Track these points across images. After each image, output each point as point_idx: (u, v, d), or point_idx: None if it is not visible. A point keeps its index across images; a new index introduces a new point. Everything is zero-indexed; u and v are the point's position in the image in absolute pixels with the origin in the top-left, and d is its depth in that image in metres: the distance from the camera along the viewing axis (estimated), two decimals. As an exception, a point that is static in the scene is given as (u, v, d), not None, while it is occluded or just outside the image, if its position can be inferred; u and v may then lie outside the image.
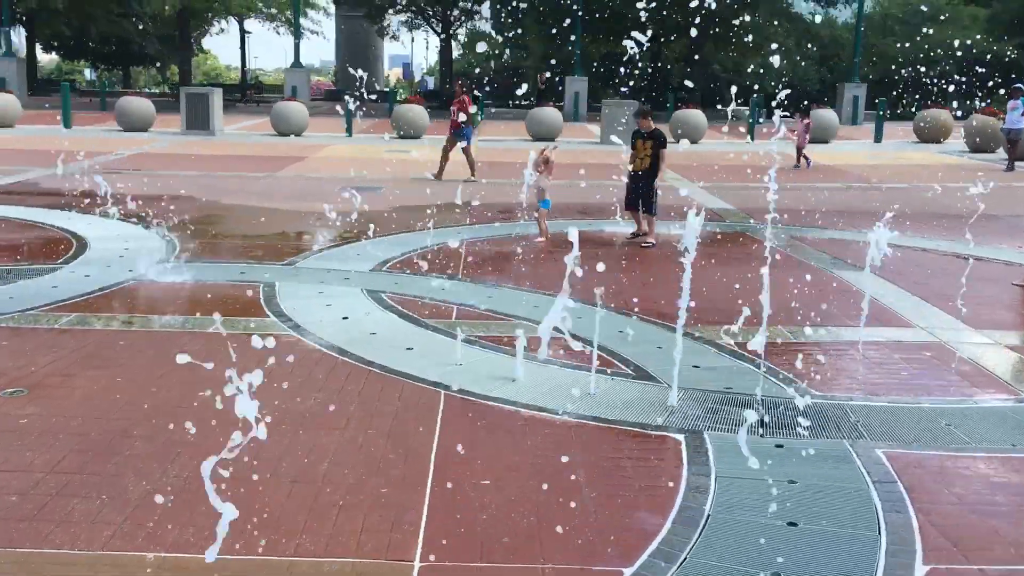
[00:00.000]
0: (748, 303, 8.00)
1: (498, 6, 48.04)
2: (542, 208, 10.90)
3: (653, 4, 39.08)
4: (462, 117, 16.27)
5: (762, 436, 5.17)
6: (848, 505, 4.33)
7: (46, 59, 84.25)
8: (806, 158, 20.06)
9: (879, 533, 4.08)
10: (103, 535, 3.84)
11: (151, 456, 4.61)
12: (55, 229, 10.91)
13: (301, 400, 5.49)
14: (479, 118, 18.22)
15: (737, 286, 8.55)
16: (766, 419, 5.38)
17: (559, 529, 4.04)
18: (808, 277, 9.18)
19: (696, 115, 26.22)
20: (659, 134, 11.10)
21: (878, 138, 27.08)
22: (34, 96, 39.53)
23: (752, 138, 26.97)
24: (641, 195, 11.14)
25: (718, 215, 13.38)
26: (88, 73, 59.15)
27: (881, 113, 28.16)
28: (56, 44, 64.47)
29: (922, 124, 26.75)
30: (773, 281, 8.97)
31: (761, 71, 52.51)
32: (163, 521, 3.98)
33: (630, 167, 11.21)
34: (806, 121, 20.47)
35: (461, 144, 16.76)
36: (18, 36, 58.56)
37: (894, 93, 41.24)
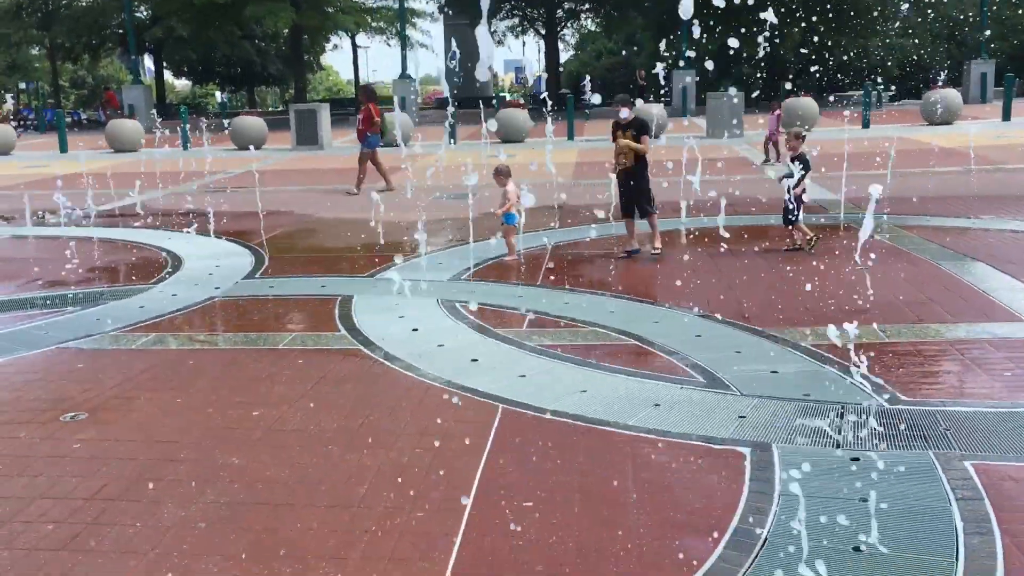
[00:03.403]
0: (841, 301, 7.55)
1: (606, 5, 47.65)
2: (506, 224, 9.88)
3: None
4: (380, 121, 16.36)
5: (838, 448, 4.76)
6: (924, 527, 3.90)
7: (180, 84, 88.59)
8: (776, 151, 18.08)
9: (955, 560, 3.64)
10: (128, 565, 3.78)
11: (193, 481, 4.56)
12: (154, 249, 11.22)
13: (352, 419, 5.37)
14: (389, 126, 17.96)
15: (831, 283, 8.06)
16: (844, 429, 4.96)
17: (598, 557, 3.77)
18: (912, 269, 8.59)
19: (808, 103, 25.20)
20: (640, 121, 9.75)
21: (1006, 116, 25.40)
22: (162, 120, 41.41)
23: (867, 125, 25.74)
24: (634, 197, 9.73)
25: (822, 207, 12.71)
26: (218, 96, 61.70)
27: (1011, 90, 26.41)
28: (186, 69, 67.57)
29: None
30: (872, 275, 8.46)
31: (882, 54, 50.38)
32: (191, 550, 3.90)
33: (613, 168, 9.89)
34: (777, 112, 18.78)
35: (366, 151, 16.57)
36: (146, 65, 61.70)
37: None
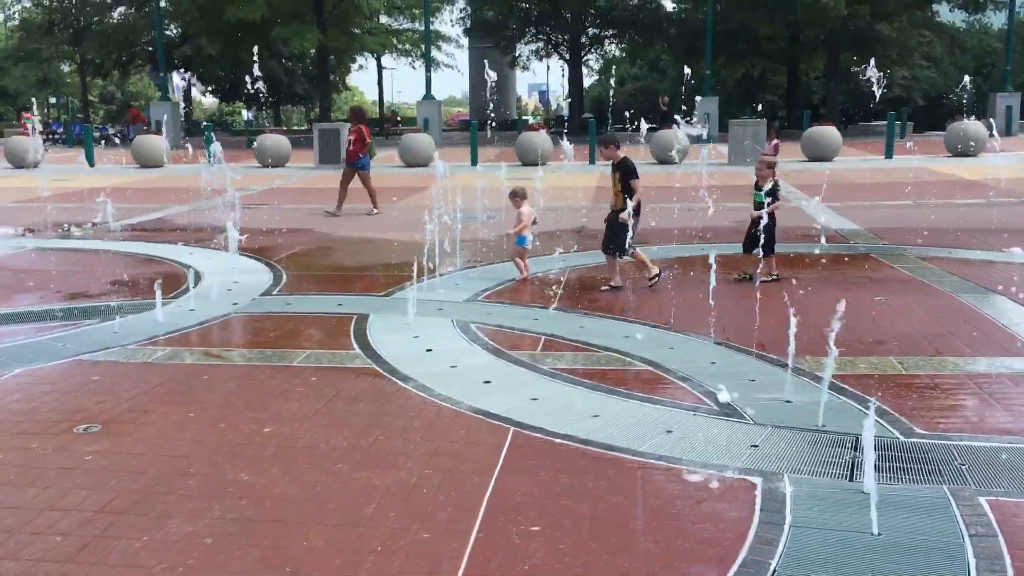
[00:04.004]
0: (860, 332, 7.49)
1: (630, 32, 47.88)
2: (517, 246, 9.93)
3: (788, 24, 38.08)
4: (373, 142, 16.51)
5: (850, 480, 4.71)
6: (935, 563, 3.84)
7: (208, 102, 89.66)
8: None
9: (968, 598, 3.59)
10: (133, 579, 3.79)
11: (202, 496, 4.57)
12: (174, 264, 11.31)
13: (363, 437, 5.37)
14: (375, 149, 17.93)
15: (847, 314, 7.99)
16: (857, 461, 4.91)
17: (603, 584, 3.74)
18: (930, 301, 8.51)
19: (830, 132, 25.17)
20: (626, 163, 9.38)
21: (1032, 149, 25.27)
22: (189, 137, 41.88)
23: (890, 155, 25.65)
24: (608, 235, 9.51)
25: (843, 236, 12.66)
26: (245, 114, 62.41)
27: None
28: (213, 88, 68.37)
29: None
30: (891, 307, 8.40)
31: (908, 83, 50.26)
32: (197, 566, 3.90)
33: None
34: (775, 142, 18.55)
35: (361, 172, 16.63)
36: (184, 80, 62.40)
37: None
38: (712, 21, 35.17)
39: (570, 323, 8.06)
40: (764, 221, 9.07)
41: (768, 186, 9.42)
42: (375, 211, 16.41)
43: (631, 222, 9.28)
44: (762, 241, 9.38)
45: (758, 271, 9.34)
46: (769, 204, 9.18)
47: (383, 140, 42.36)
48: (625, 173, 9.32)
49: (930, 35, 42.48)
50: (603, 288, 9.47)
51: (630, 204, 9.21)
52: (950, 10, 43.80)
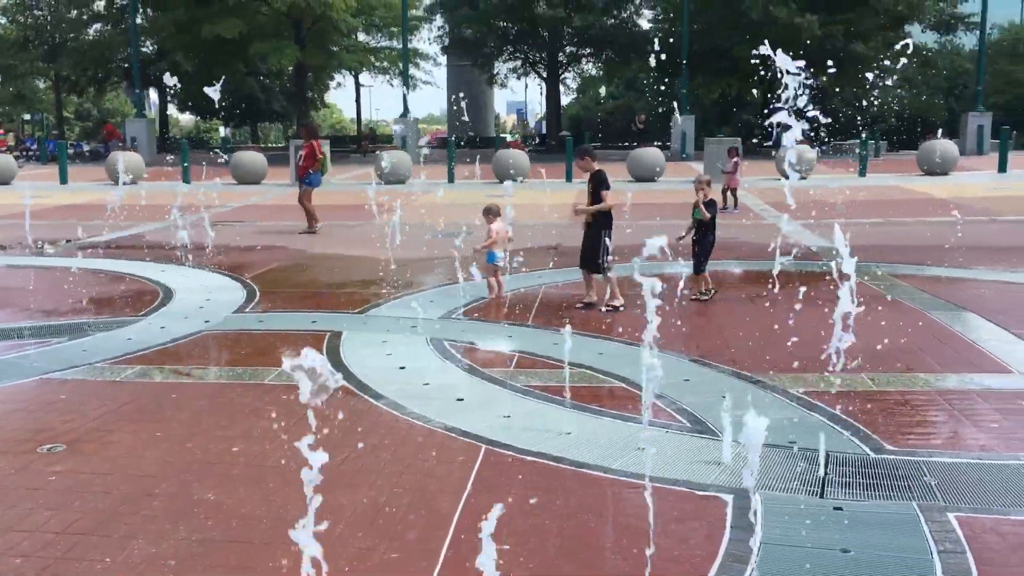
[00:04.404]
0: (828, 348, 7.52)
1: (607, 51, 48.18)
2: (488, 263, 9.85)
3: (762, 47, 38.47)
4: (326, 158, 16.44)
5: (821, 497, 4.71)
6: (904, 580, 3.84)
7: (185, 119, 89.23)
8: (734, 199, 18.38)
9: (936, 614, 3.59)
10: (95, 601, 3.72)
11: (167, 517, 4.50)
12: (146, 281, 11.21)
13: (334, 456, 5.30)
14: (327, 165, 17.61)
15: (822, 331, 8.03)
16: (828, 478, 4.92)
17: (572, 603, 3.71)
18: (901, 318, 8.56)
19: (804, 150, 25.37)
20: (599, 176, 9.24)
21: (1002, 168, 25.58)
22: (164, 153, 41.68)
23: (863, 173, 25.89)
24: (586, 251, 9.44)
25: (816, 253, 12.74)
26: (222, 131, 62.21)
27: (1005, 142, 26.64)
28: (191, 104, 68.10)
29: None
30: (862, 324, 8.43)
31: (879, 102, 50.80)
32: (160, 586, 3.84)
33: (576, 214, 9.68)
34: (735, 160, 18.84)
35: (307, 189, 16.16)
36: (169, 90, 61.95)
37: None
38: (688, 40, 35.45)
39: (544, 340, 8.05)
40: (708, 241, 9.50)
41: (704, 200, 9.58)
42: (310, 231, 15.96)
43: (606, 240, 9.28)
44: (695, 257, 9.63)
45: (698, 288, 9.64)
46: (702, 218, 9.49)
47: (360, 158, 42.36)
48: (597, 185, 9.29)
49: (903, 55, 42.94)
50: (578, 305, 9.45)
51: (592, 209, 9.25)
52: (922, 31, 44.40)
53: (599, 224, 9.29)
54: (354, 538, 4.28)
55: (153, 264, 12.48)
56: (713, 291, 9.69)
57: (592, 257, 9.33)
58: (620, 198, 9.63)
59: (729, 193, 18.44)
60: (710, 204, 9.64)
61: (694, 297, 9.55)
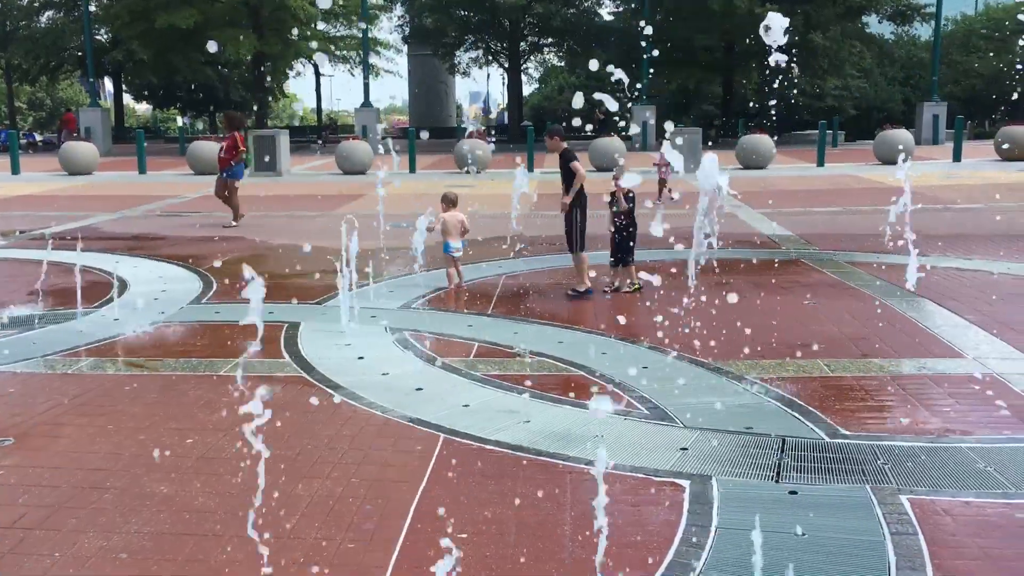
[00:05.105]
0: (785, 335, 7.59)
1: (569, 41, 48.14)
2: (445, 253, 9.84)
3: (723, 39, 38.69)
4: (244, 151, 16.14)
5: (776, 482, 4.74)
6: (856, 561, 3.88)
7: (141, 108, 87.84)
8: (669, 191, 18.55)
9: (887, 596, 3.63)
10: (43, 597, 3.65)
11: (117, 510, 4.42)
12: (100, 273, 11.01)
13: (290, 447, 5.26)
14: (250, 158, 17.10)
15: (776, 318, 8.10)
16: (783, 462, 4.95)
17: (529, 590, 3.70)
18: (857, 305, 8.66)
19: (763, 140, 25.60)
20: (566, 153, 9.22)
21: (957, 157, 25.96)
22: (120, 144, 41.00)
23: (821, 163, 26.17)
24: (567, 233, 9.44)
25: (775, 242, 12.85)
26: (180, 120, 61.27)
27: (960, 132, 27.04)
28: (147, 94, 67.02)
29: (1002, 142, 25.54)
30: (817, 311, 8.52)
31: (840, 93, 51.33)
32: (110, 581, 3.77)
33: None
34: (661, 152, 18.96)
35: (230, 181, 15.67)
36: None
37: (989, 112, 39.78)
38: (650, 31, 35.50)
39: (503, 330, 8.03)
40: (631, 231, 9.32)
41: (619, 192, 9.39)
42: (233, 224, 15.41)
43: (578, 218, 9.29)
44: (617, 250, 9.41)
45: (624, 281, 9.51)
46: (620, 210, 9.30)
47: (325, 148, 41.95)
48: (566, 160, 9.25)
49: (860, 46, 43.42)
50: (569, 292, 9.42)
51: (570, 195, 9.27)
52: (879, 21, 44.85)
53: (573, 203, 9.29)
54: (311, 529, 4.24)
55: (107, 255, 12.26)
56: (639, 285, 9.44)
57: (571, 235, 9.36)
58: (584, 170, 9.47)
59: (665, 189, 18.60)
60: (625, 196, 9.50)
61: (626, 290, 9.47)
